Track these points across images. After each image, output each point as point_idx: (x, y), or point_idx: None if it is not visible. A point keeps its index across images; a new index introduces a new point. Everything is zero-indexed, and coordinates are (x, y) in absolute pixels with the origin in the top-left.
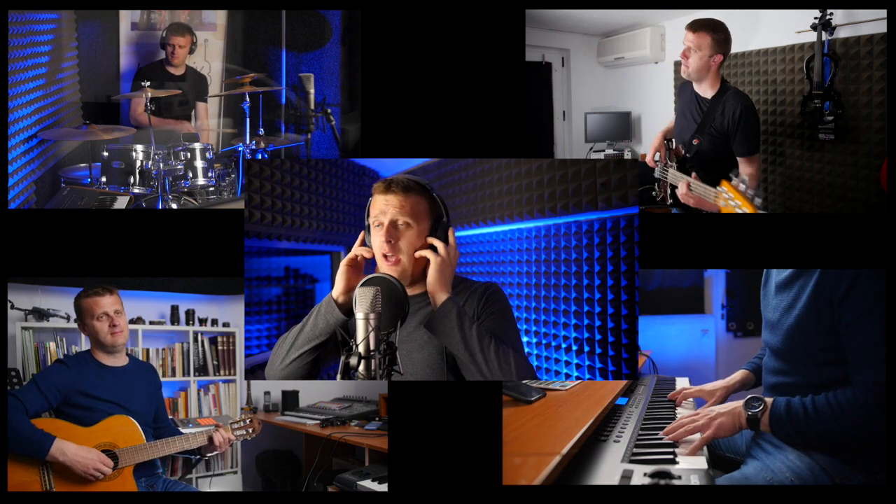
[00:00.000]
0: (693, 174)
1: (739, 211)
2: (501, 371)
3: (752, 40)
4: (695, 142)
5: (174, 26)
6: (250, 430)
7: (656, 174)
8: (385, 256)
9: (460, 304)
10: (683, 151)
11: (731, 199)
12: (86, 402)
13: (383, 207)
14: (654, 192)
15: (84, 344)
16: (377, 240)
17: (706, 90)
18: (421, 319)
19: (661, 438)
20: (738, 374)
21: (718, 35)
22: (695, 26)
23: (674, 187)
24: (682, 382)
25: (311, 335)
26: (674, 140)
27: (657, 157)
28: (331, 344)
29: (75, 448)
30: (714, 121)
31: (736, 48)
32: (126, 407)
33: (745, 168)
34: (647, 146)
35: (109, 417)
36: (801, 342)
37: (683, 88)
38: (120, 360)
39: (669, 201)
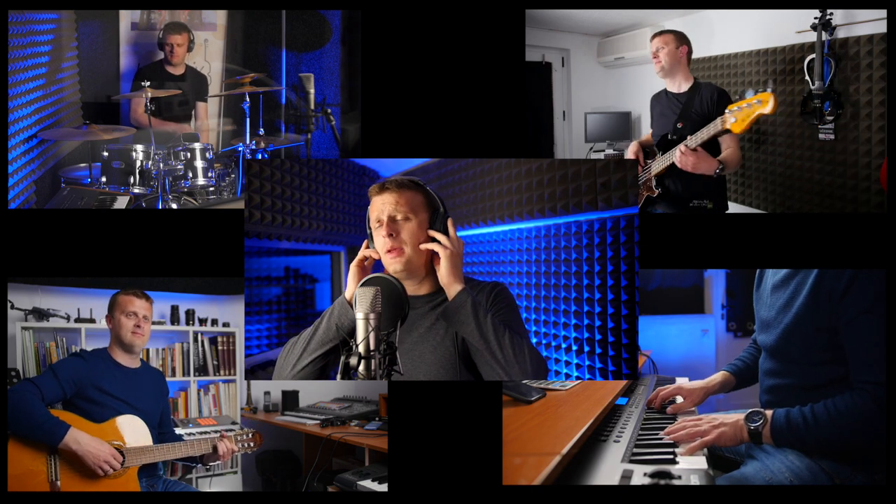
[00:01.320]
0: (688, 137)
1: (753, 107)
2: (516, 359)
3: (751, 40)
4: (679, 125)
5: (170, 25)
6: (251, 444)
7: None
8: (388, 251)
9: (474, 294)
10: (655, 146)
11: (740, 107)
12: (98, 397)
13: (380, 207)
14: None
15: (85, 343)
16: (379, 238)
17: (681, 84)
18: (433, 320)
19: (661, 438)
20: (719, 376)
21: (677, 33)
22: (656, 34)
23: (660, 178)
24: (681, 383)
25: (324, 339)
26: (654, 146)
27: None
28: (341, 347)
29: (89, 438)
30: (693, 107)
31: (736, 48)
32: (135, 407)
33: (726, 144)
34: None
35: (120, 416)
36: (798, 341)
37: (658, 95)
38: (133, 363)
39: (656, 191)
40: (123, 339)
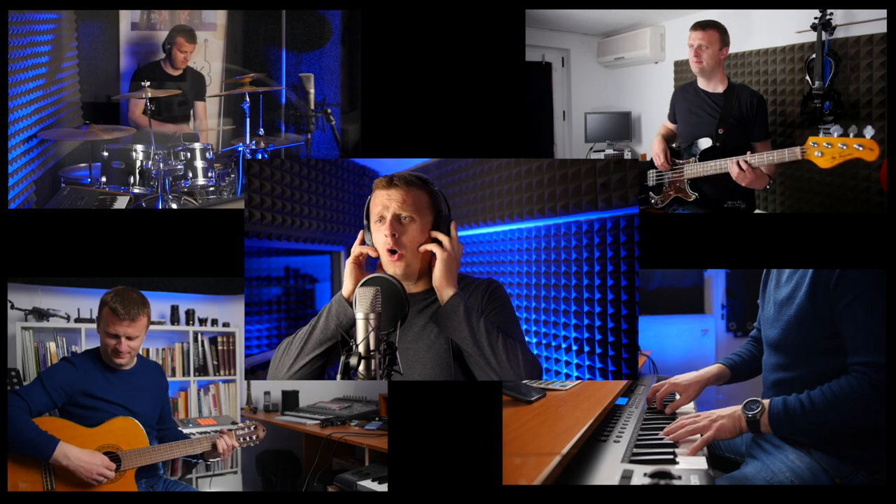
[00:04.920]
0: (749, 152)
1: (852, 151)
2: (510, 364)
3: (752, 40)
4: (720, 131)
5: (183, 31)
6: (254, 437)
7: (652, 182)
8: (389, 252)
9: (467, 298)
10: (681, 149)
11: (830, 144)
12: (90, 404)
13: (386, 202)
14: (652, 201)
15: (85, 343)
16: (380, 236)
17: (716, 85)
18: (428, 318)
19: (661, 438)
20: (714, 368)
21: (723, 31)
22: (703, 25)
23: (692, 181)
24: (675, 378)
25: (321, 338)
26: (678, 139)
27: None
28: (339, 346)
29: (78, 452)
30: (732, 111)
31: (736, 48)
32: (131, 409)
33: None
34: (648, 146)
35: (114, 419)
36: (801, 332)
37: (686, 90)
38: (128, 364)
39: (692, 196)
40: (105, 356)
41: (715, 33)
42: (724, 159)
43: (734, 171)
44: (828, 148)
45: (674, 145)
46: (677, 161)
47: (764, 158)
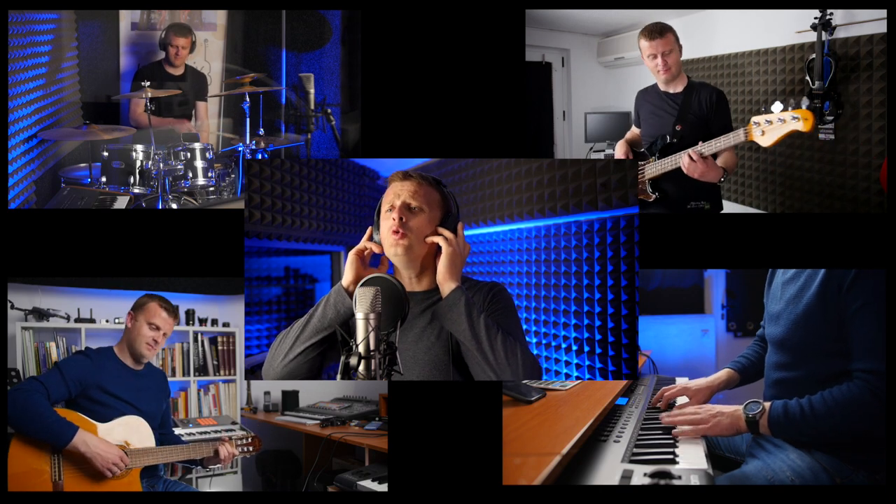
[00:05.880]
0: (699, 143)
1: (788, 123)
2: (508, 361)
3: (751, 40)
4: (678, 128)
5: (175, 27)
6: (250, 449)
7: None
8: (394, 232)
9: (469, 294)
10: (647, 149)
11: (769, 121)
12: (101, 398)
13: (398, 191)
14: None
15: (84, 342)
16: (388, 222)
17: (677, 86)
18: (429, 320)
19: (661, 438)
20: (723, 374)
21: (674, 30)
22: (657, 31)
23: (655, 181)
24: (681, 382)
25: (318, 326)
26: (643, 142)
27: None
28: (335, 341)
29: (97, 441)
30: (692, 108)
31: (736, 48)
32: (138, 408)
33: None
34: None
35: (124, 416)
36: (808, 331)
37: (647, 92)
38: (138, 364)
39: (653, 196)
40: (137, 346)
41: (671, 36)
42: (677, 153)
43: (684, 162)
44: (768, 125)
45: (641, 150)
46: (640, 163)
47: (712, 146)
